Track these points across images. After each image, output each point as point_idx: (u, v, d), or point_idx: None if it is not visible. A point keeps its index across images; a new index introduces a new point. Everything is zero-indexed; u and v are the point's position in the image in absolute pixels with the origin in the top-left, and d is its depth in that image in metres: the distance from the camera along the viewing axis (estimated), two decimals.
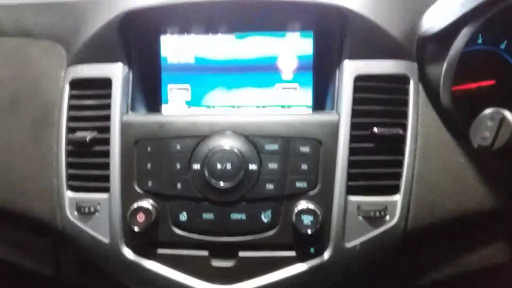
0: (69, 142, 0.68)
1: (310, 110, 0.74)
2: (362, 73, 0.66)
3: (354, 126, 0.64)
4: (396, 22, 0.67)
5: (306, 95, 0.74)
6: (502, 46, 0.68)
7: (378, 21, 0.66)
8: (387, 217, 0.64)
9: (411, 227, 0.65)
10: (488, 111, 0.56)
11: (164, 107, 0.76)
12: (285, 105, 0.75)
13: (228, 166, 0.62)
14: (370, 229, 0.64)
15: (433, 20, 0.65)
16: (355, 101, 0.65)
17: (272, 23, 0.73)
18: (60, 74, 0.71)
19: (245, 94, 0.75)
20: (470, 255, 0.73)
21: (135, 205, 0.63)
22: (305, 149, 0.64)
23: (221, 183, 0.62)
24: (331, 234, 0.63)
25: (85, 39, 0.70)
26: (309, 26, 0.73)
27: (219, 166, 0.62)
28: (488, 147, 0.55)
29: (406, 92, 0.66)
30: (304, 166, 0.64)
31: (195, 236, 0.65)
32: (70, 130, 0.69)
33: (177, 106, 0.76)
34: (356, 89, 0.65)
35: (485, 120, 0.56)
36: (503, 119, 0.54)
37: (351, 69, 0.66)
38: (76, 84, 0.70)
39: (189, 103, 0.76)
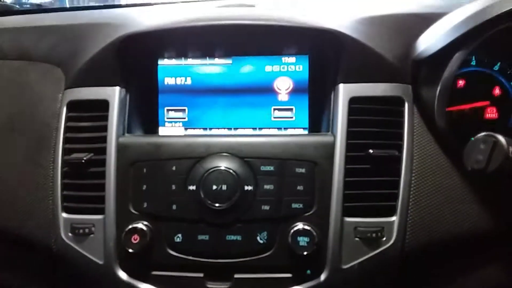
0: (65, 163, 0.68)
1: (306, 132, 0.74)
2: (357, 95, 0.66)
3: (349, 147, 0.64)
4: (390, 46, 0.69)
5: (302, 117, 0.75)
6: (496, 67, 0.69)
7: (372, 45, 0.68)
8: (384, 238, 0.63)
9: (409, 248, 0.64)
10: (481, 134, 0.56)
11: (161, 129, 0.77)
12: (281, 127, 0.75)
13: (224, 187, 0.62)
14: (367, 250, 0.63)
15: (427, 43, 0.66)
16: (350, 123, 0.65)
17: (268, 46, 0.75)
18: (57, 96, 0.72)
19: (241, 116, 0.75)
20: (469, 276, 0.72)
21: (130, 227, 0.63)
22: (300, 170, 0.64)
23: (217, 204, 0.62)
24: (328, 256, 0.63)
25: (83, 63, 0.71)
26: (305, 50, 0.75)
27: (214, 187, 0.62)
28: (482, 170, 0.55)
29: (401, 114, 0.67)
30: (300, 187, 0.63)
31: (190, 258, 0.64)
32: (67, 151, 0.69)
33: (174, 128, 0.76)
34: (351, 111, 0.66)
35: (478, 143, 0.56)
36: (496, 142, 0.54)
37: (346, 91, 0.67)
38: (74, 106, 0.71)
39: (186, 125, 0.76)
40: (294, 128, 0.75)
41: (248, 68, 0.75)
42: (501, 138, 0.54)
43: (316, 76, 0.74)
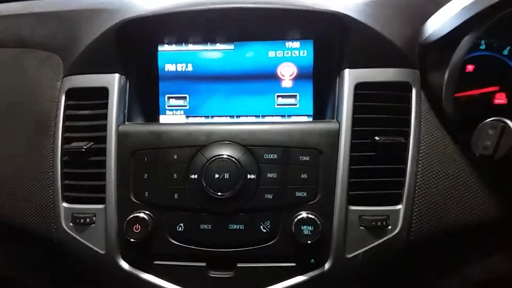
0: (65, 152, 0.67)
1: (310, 119, 0.73)
2: (363, 81, 0.65)
3: (355, 134, 0.63)
4: (397, 30, 0.67)
5: (306, 104, 0.73)
6: (505, 52, 0.67)
7: (379, 29, 0.66)
8: (389, 227, 0.62)
9: (414, 237, 0.63)
10: (490, 119, 0.55)
11: (162, 117, 0.75)
12: (285, 114, 0.73)
13: (226, 176, 0.61)
14: (371, 239, 0.62)
15: (435, 27, 0.64)
16: (356, 109, 0.64)
17: (271, 31, 0.73)
18: (56, 84, 0.71)
19: (244, 103, 0.74)
20: (474, 266, 0.71)
21: (131, 216, 0.62)
22: (305, 158, 0.62)
23: (219, 193, 0.61)
24: (332, 245, 0.62)
25: (81, 50, 0.70)
26: (309, 35, 0.73)
27: (217, 176, 0.61)
28: (490, 156, 0.54)
29: (408, 100, 0.65)
30: (304, 176, 0.62)
31: (193, 247, 0.63)
32: (66, 140, 0.68)
33: (175, 116, 0.75)
34: (357, 97, 0.64)
35: (486, 129, 0.55)
36: (504, 128, 0.52)
37: (351, 77, 0.65)
38: (73, 94, 0.69)
39: (188, 113, 0.75)
40: (298, 115, 0.73)
41: (250, 54, 0.73)
42: (510, 123, 0.52)
43: (321, 61, 0.72)
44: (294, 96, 0.73)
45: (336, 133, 0.63)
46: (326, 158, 0.63)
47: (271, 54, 0.73)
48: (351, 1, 0.70)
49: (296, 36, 0.73)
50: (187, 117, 0.75)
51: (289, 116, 0.73)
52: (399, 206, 0.63)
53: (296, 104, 0.73)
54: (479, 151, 0.56)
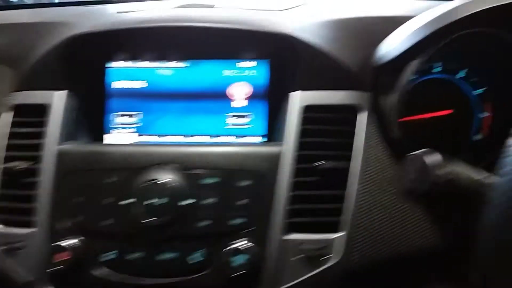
0: (4, 172, 0.65)
1: (264, 140, 0.71)
2: (312, 103, 0.63)
3: (299, 159, 0.61)
4: (351, 51, 0.65)
5: (260, 125, 0.71)
6: (460, 75, 0.65)
7: (331, 51, 0.64)
8: (328, 256, 0.59)
9: (354, 265, 0.60)
10: (418, 152, 0.52)
11: (107, 136, 0.73)
12: (237, 134, 0.71)
13: (161, 201, 0.58)
14: (310, 268, 0.59)
15: (387, 49, 0.62)
16: (303, 132, 0.62)
17: (225, 50, 0.71)
18: (3, 100, 0.69)
19: (196, 122, 0.71)
20: None
21: (62, 242, 0.59)
22: (244, 183, 0.60)
23: (152, 219, 0.58)
24: (268, 275, 0.59)
25: (29, 65, 0.68)
26: (265, 55, 0.71)
27: (152, 201, 0.58)
28: (415, 190, 0.51)
29: (353, 124, 0.63)
30: (242, 202, 0.59)
31: (123, 276, 0.60)
32: (8, 159, 0.65)
33: (124, 135, 0.73)
34: (305, 120, 0.62)
35: (411, 162, 0.52)
36: (424, 163, 0.50)
37: (301, 99, 0.63)
38: (18, 110, 0.67)
39: (141, 131, 0.72)
40: (252, 136, 0.71)
41: (204, 72, 0.71)
42: (428, 159, 0.49)
43: (277, 82, 0.70)
44: (247, 117, 0.71)
45: (279, 157, 0.61)
46: (267, 183, 0.60)
47: (225, 73, 0.71)
48: (306, 22, 0.69)
49: (251, 55, 0.71)
50: (140, 135, 0.72)
51: (241, 136, 0.71)
52: (339, 234, 0.59)
53: (248, 125, 0.71)
54: (405, 184, 0.53)
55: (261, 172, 0.60)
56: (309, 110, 0.63)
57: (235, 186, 0.60)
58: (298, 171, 0.60)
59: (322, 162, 0.60)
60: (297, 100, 0.63)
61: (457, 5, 0.56)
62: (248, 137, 0.71)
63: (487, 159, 0.60)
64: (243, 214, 0.59)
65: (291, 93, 0.64)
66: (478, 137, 0.67)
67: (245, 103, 0.71)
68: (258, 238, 0.59)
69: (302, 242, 0.59)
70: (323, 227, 0.60)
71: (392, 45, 0.61)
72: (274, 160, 0.61)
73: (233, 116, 0.71)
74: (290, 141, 0.61)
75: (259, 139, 0.71)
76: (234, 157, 0.61)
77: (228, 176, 0.60)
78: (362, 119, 0.62)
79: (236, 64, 0.71)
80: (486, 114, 0.66)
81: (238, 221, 0.59)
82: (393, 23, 0.65)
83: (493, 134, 0.65)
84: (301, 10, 0.74)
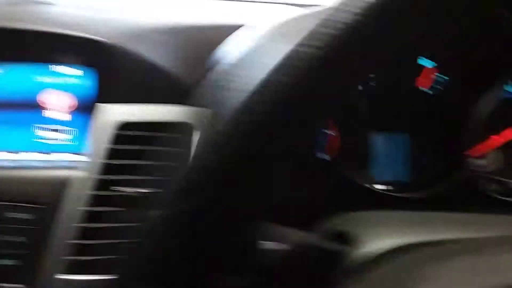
0: None
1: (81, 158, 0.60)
2: (127, 120, 0.54)
3: (97, 185, 0.51)
4: (181, 62, 0.59)
5: (79, 140, 0.61)
6: None
7: (156, 60, 0.58)
8: None
9: None
10: None
11: None
12: (47, 150, 0.60)
13: None
14: None
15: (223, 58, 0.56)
16: (111, 153, 0.53)
17: (42, 54, 0.61)
18: None
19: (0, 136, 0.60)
20: None
21: None
22: (19, 215, 0.49)
23: None
24: None
25: None
26: (90, 61, 0.62)
27: None
28: None
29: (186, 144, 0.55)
30: (14, 238, 0.49)
31: None
32: None
33: None
34: (117, 138, 0.54)
35: None
36: None
37: (113, 114, 0.55)
38: None
39: None
40: (66, 152, 0.60)
41: (14, 78, 0.61)
42: None
43: (105, 95, 0.61)
44: (61, 130, 0.61)
45: (66, 184, 0.51)
46: (50, 214, 0.50)
47: (38, 79, 0.61)
48: (134, 27, 0.62)
49: (72, 61, 0.62)
50: None
51: (52, 153, 0.60)
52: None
53: (61, 140, 0.61)
54: None
55: (44, 201, 0.50)
56: (124, 128, 0.54)
57: (8, 219, 0.49)
58: (95, 200, 0.51)
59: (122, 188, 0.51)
60: (110, 115, 0.55)
61: None
62: (67, 154, 0.61)
63: None
64: (15, 253, 0.49)
65: (101, 106, 0.56)
66: None
67: (68, 116, 0.61)
68: (30, 282, 0.48)
69: (83, 285, 0.48)
70: (108, 268, 0.49)
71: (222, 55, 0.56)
72: (59, 187, 0.51)
73: (44, 128, 0.60)
74: (91, 163, 0.52)
75: (75, 157, 0.60)
76: (13, 182, 0.51)
77: (2, 206, 0.49)
78: (190, 136, 0.55)
79: (51, 68, 0.61)
80: None
81: (8, 261, 0.48)
82: (226, 30, 0.60)
83: None
84: (132, 14, 0.67)
